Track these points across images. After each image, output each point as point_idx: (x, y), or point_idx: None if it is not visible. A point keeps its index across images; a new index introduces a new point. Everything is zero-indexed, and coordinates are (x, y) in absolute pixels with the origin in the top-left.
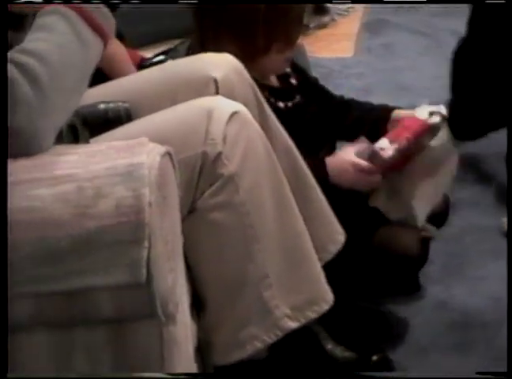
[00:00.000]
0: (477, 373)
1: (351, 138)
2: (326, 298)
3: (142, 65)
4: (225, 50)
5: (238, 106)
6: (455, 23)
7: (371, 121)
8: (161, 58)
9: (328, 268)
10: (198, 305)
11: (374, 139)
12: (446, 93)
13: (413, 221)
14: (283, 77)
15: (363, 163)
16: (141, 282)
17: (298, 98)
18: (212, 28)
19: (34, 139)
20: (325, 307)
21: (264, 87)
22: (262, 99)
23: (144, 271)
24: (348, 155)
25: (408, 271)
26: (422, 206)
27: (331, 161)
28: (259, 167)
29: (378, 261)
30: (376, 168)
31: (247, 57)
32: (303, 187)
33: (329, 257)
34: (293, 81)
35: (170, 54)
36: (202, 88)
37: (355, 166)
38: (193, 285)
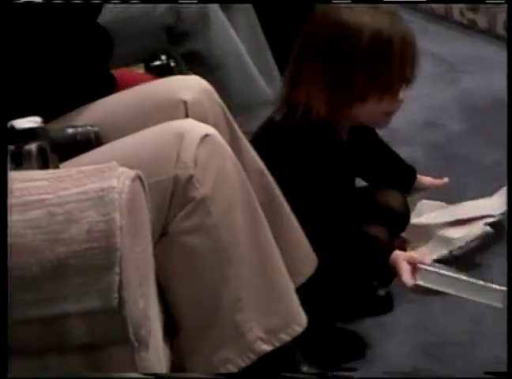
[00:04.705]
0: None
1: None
2: (300, 320)
3: None
4: (316, 96)
5: (209, 129)
6: None
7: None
8: None
9: (301, 288)
10: (171, 330)
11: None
12: None
13: None
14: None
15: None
16: (113, 307)
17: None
18: (307, 72)
19: None
20: (299, 329)
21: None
22: (233, 121)
23: (115, 296)
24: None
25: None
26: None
27: None
28: (231, 190)
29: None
30: None
31: (342, 104)
32: (275, 210)
33: (302, 279)
34: None
35: None
36: (172, 110)
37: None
38: (166, 310)
